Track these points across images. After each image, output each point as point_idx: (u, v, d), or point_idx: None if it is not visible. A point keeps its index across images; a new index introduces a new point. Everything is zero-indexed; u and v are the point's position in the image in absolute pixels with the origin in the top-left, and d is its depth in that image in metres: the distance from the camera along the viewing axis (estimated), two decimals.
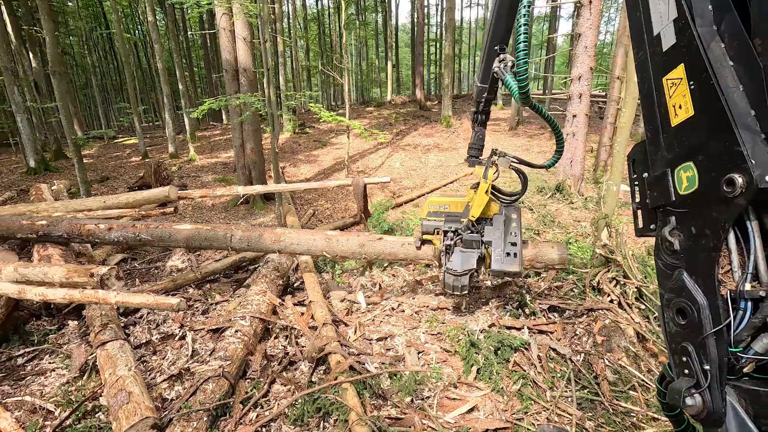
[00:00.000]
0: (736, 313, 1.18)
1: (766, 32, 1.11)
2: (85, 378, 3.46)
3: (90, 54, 31.33)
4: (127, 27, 32.08)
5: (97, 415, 3.09)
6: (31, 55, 17.38)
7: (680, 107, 1.22)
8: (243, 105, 8.52)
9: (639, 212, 1.52)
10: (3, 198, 9.79)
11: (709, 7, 1.15)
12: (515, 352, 3.51)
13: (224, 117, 27.19)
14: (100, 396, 3.20)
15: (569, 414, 2.91)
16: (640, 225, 1.51)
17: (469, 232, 3.10)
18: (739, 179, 1.04)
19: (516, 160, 3.06)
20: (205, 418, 2.81)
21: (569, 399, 3.07)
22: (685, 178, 1.23)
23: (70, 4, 28.03)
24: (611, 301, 4.21)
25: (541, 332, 3.84)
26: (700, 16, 1.14)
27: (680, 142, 1.24)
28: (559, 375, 3.32)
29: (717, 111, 1.10)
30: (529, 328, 3.85)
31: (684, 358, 1.26)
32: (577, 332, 3.83)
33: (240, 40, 8.89)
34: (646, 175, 1.44)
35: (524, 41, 2.18)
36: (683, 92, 1.20)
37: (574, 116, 8.96)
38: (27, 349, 3.87)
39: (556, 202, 8.86)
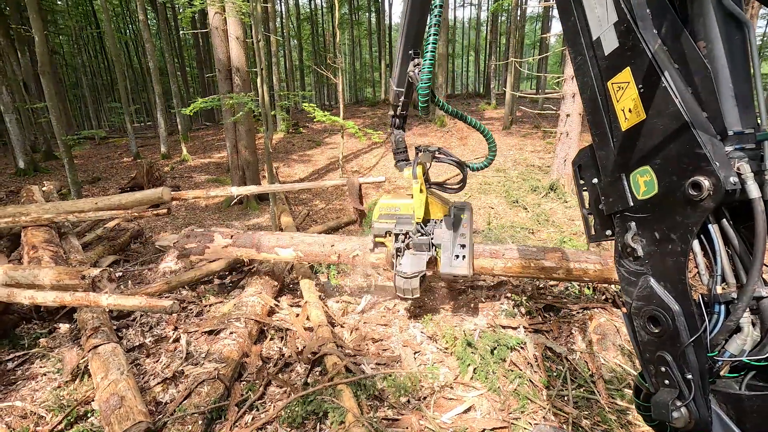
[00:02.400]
0: (711, 317, 1.17)
1: (710, 35, 1.11)
2: (77, 382, 3.41)
3: (80, 53, 30.99)
4: (117, 26, 31.72)
5: (89, 420, 3.04)
6: (19, 55, 17.12)
7: (630, 111, 1.20)
8: (236, 105, 8.45)
9: (590, 218, 1.49)
10: None
11: (647, 11, 1.13)
12: (511, 352, 3.51)
13: (217, 117, 27.01)
14: (92, 400, 3.15)
15: (566, 413, 2.91)
16: (593, 232, 1.48)
17: (419, 234, 3.05)
18: (706, 182, 1.03)
19: (441, 154, 2.99)
20: (200, 422, 2.78)
21: (565, 398, 3.08)
22: (643, 182, 1.21)
23: (59, 2, 27.67)
24: (606, 299, 4.23)
25: (537, 331, 3.85)
26: (641, 19, 1.13)
27: (633, 146, 1.22)
28: (555, 374, 3.32)
29: (671, 114, 1.09)
30: (525, 327, 3.86)
31: (662, 368, 1.23)
32: (573, 331, 3.84)
33: (233, 39, 8.82)
34: (596, 180, 1.42)
35: (432, 50, 2.14)
36: (632, 96, 1.18)
37: (568, 115, 9.01)
38: (17, 353, 3.81)
39: (550, 201, 8.90)
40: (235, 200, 9.76)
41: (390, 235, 3.14)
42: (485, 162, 2.96)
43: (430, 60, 2.20)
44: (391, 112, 3.05)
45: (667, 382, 1.23)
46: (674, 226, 1.14)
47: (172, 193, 6.07)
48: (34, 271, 3.85)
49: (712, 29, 1.11)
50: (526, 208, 8.44)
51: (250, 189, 6.49)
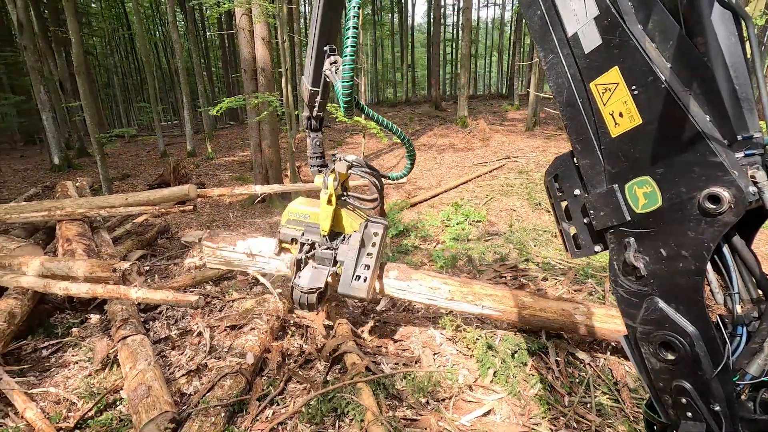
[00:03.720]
0: (732, 339, 1.07)
1: (706, 32, 0.99)
2: (106, 371, 3.53)
3: (112, 54, 32.10)
4: (147, 27, 32.71)
5: (117, 408, 3.16)
6: (56, 56, 17.86)
7: (621, 115, 1.08)
8: (261, 104, 8.60)
9: (571, 232, 1.36)
10: (29, 194, 10.09)
11: (629, 4, 1.03)
12: (532, 356, 3.47)
13: (241, 116, 27.52)
14: (121, 389, 3.26)
15: (588, 420, 2.85)
16: (576, 248, 1.35)
17: (325, 247, 2.84)
18: (725, 193, 0.92)
19: (358, 164, 2.74)
20: (223, 414, 2.84)
21: (588, 405, 3.02)
22: (642, 194, 1.09)
23: (94, 5, 28.73)
24: None
25: (558, 336, 3.78)
26: (625, 13, 1.02)
27: (628, 154, 1.10)
28: (577, 380, 3.26)
29: (675, 118, 0.98)
30: (547, 331, 3.79)
31: (682, 399, 1.11)
32: (596, 337, 3.75)
33: (258, 40, 8.98)
34: (578, 192, 1.28)
35: (352, 45, 1.90)
36: (623, 98, 1.07)
37: None
38: (51, 342, 3.98)
39: None
40: (259, 198, 9.93)
41: (296, 243, 2.94)
42: (404, 171, 2.76)
43: (350, 57, 1.97)
44: (306, 113, 2.83)
45: (690, 414, 1.11)
46: (686, 242, 1.03)
47: (198, 190, 6.23)
48: (69, 263, 4.01)
49: (709, 25, 1.00)
50: (548, 211, 8.29)
51: (273, 188, 6.61)
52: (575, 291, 4.57)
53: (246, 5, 8.53)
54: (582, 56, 1.13)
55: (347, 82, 2.03)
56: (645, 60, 1.00)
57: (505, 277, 5.05)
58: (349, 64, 1.98)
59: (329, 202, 2.69)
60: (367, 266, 2.74)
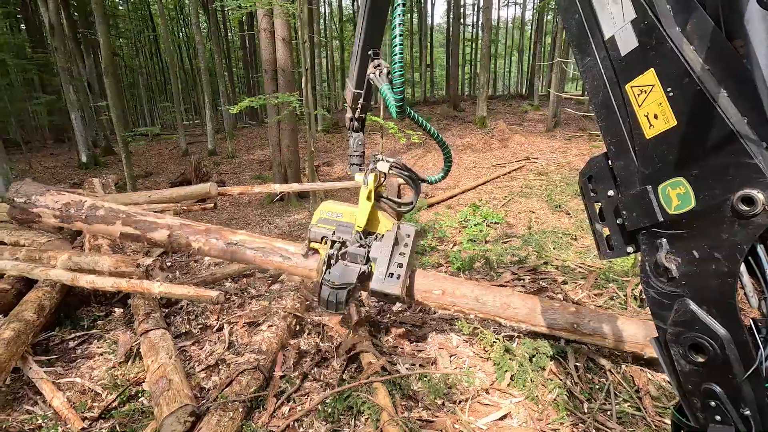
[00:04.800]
0: (766, 344, 1.05)
1: (747, 33, 0.97)
2: (129, 364, 3.63)
3: (138, 55, 32.98)
4: (172, 29, 33.49)
5: (140, 400, 3.24)
6: (85, 57, 18.44)
7: (656, 117, 1.08)
8: (281, 104, 8.70)
9: (604, 233, 1.36)
10: None
11: (668, 6, 1.03)
12: (551, 361, 3.41)
13: (261, 116, 27.90)
14: (143, 382, 3.35)
15: (608, 428, 2.79)
16: (608, 248, 1.35)
17: (357, 245, 2.85)
18: (760, 195, 0.92)
19: (398, 166, 2.78)
20: (241, 409, 2.88)
21: (608, 412, 2.95)
22: (675, 195, 1.09)
23: (121, 7, 29.57)
24: None
25: (578, 342, 3.71)
26: (663, 16, 1.03)
27: (662, 155, 1.10)
28: (597, 386, 3.19)
29: (710, 119, 0.98)
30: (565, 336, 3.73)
31: (711, 402, 1.10)
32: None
33: (279, 40, 9.10)
34: (611, 193, 1.29)
35: (399, 53, 1.95)
36: (658, 100, 1.07)
37: None
38: (78, 334, 4.11)
39: None
40: (277, 197, 10.05)
41: (326, 242, 2.96)
42: (441, 174, 2.81)
43: (399, 63, 2.02)
44: (349, 114, 2.89)
45: (718, 417, 1.10)
46: (719, 244, 1.02)
47: (219, 188, 6.35)
48: (95, 258, 4.13)
49: (750, 26, 0.98)
50: (569, 213, 8.15)
51: (292, 187, 6.68)
52: (595, 295, 4.48)
53: (267, 6, 8.65)
54: (618, 59, 1.14)
55: (398, 88, 2.08)
56: (681, 62, 1.00)
57: (523, 279, 4.99)
58: (399, 71, 2.03)
59: (368, 198, 2.75)
60: (401, 265, 2.77)
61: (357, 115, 2.85)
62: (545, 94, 25.26)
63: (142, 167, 15.06)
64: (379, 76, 2.37)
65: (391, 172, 2.77)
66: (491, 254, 5.78)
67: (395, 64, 2.01)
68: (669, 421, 2.80)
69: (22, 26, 24.76)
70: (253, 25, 23.51)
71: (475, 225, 7.54)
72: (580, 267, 5.23)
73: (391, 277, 2.73)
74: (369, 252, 2.85)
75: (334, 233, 2.94)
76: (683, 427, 1.25)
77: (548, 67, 26.37)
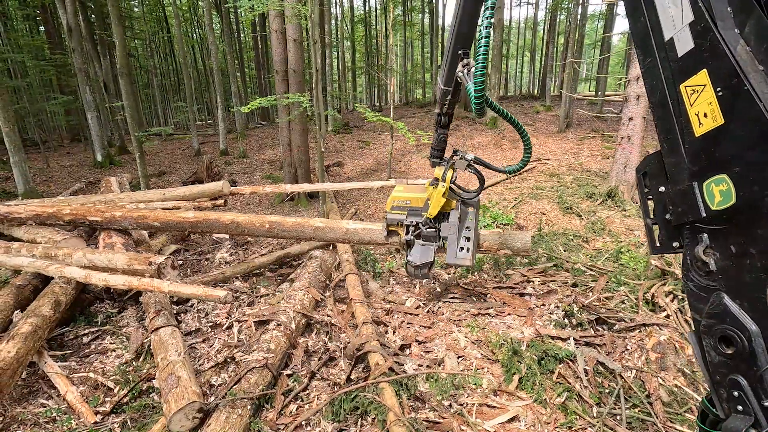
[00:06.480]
0: None
1: None
2: (140, 360, 3.69)
3: (152, 56, 33.46)
4: (186, 30, 33.90)
5: (150, 395, 3.29)
6: (101, 58, 18.78)
7: (705, 116, 1.13)
8: (291, 104, 8.75)
9: (655, 228, 1.41)
10: (74, 189, 10.66)
11: (728, 9, 1.06)
12: (560, 364, 3.38)
13: (272, 116, 28.10)
14: (153, 378, 3.40)
15: None
16: (658, 243, 1.41)
17: (428, 227, 3.21)
18: None
19: (474, 164, 3.04)
20: (249, 407, 2.91)
21: (618, 417, 2.91)
22: (718, 192, 1.12)
23: (136, 9, 30.03)
24: (667, 316, 3.95)
25: (588, 345, 3.67)
26: (721, 19, 1.05)
27: (708, 153, 1.14)
28: (607, 391, 3.15)
29: (755, 119, 1.01)
30: (575, 339, 3.69)
31: (735, 393, 1.15)
32: (628, 347, 3.62)
33: (290, 41, 9.15)
34: (663, 189, 1.34)
35: (484, 54, 2.07)
36: (708, 99, 1.11)
37: (630, 119, 8.50)
38: (92, 329, 4.19)
39: (608, 209, 8.43)
40: (288, 197, 10.11)
41: (401, 226, 3.30)
42: (521, 164, 2.95)
43: (482, 62, 2.16)
44: (437, 110, 3.07)
45: (740, 408, 1.15)
46: (755, 240, 1.06)
47: (231, 187, 6.41)
48: (109, 255, 4.21)
49: None
50: (580, 215, 8.05)
51: (302, 187, 6.72)
52: (606, 298, 4.42)
53: (279, 8, 8.71)
54: (675, 59, 1.20)
55: (479, 86, 2.18)
56: (732, 62, 1.04)
57: (532, 282, 4.95)
58: (481, 71, 2.14)
59: (443, 195, 3.03)
60: (468, 238, 3.12)
61: (444, 110, 3.02)
62: (557, 94, 25.01)
63: (156, 166, 15.28)
64: (467, 74, 2.50)
65: (467, 170, 3.05)
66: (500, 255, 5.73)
67: (478, 62, 2.12)
68: (680, 428, 2.76)
69: (41, 28, 25.34)
70: (265, 26, 23.71)
71: (484, 226, 7.49)
72: (591, 270, 5.17)
73: (462, 251, 3.10)
74: (440, 231, 3.20)
75: (406, 218, 3.28)
76: (710, 414, 1.30)
77: (560, 68, 26.09)
